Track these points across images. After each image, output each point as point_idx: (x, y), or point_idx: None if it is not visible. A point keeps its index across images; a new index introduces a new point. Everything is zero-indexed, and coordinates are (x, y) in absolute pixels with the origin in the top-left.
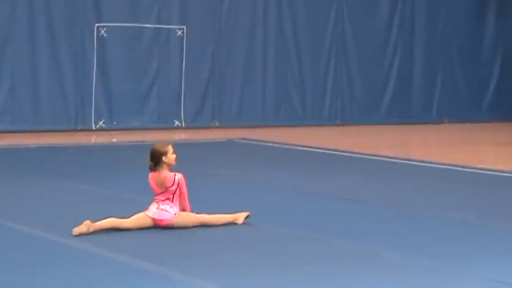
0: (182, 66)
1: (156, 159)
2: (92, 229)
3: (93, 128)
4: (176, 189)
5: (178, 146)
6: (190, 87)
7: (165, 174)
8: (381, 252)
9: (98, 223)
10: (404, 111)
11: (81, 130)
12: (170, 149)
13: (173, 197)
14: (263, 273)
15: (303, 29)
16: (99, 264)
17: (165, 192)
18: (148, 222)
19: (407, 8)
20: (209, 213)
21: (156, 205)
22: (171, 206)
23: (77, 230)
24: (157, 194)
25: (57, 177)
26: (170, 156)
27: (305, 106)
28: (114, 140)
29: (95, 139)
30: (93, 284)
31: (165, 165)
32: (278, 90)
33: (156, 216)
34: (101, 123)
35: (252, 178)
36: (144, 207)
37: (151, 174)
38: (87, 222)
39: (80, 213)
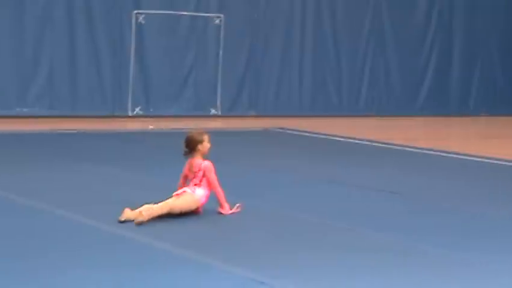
0: (219, 54)
1: (192, 146)
2: (149, 214)
3: (130, 114)
4: (203, 176)
5: (214, 134)
6: (227, 76)
7: (195, 160)
8: (418, 245)
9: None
10: (442, 103)
11: (118, 116)
12: (206, 137)
13: (200, 182)
14: (300, 263)
15: (341, 19)
16: (140, 252)
17: (194, 177)
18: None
19: (445, 1)
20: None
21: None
22: (194, 190)
23: (122, 217)
24: (190, 180)
25: (93, 163)
26: (205, 144)
27: (341, 97)
28: (150, 127)
29: (131, 126)
30: (134, 271)
31: (199, 153)
32: (315, 80)
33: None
34: (137, 110)
35: (288, 168)
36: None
37: (188, 160)
38: (127, 210)
39: (115, 198)
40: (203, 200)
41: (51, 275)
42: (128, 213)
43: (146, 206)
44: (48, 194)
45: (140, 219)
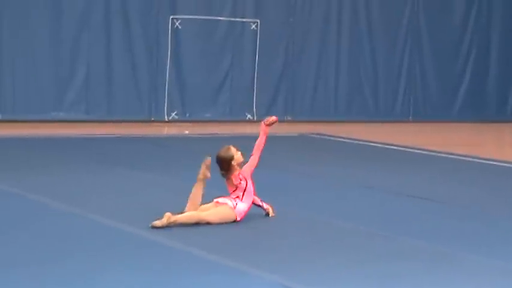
0: (255, 59)
1: (226, 166)
2: (172, 220)
3: (166, 119)
4: (246, 185)
5: (249, 139)
6: (263, 81)
7: (234, 174)
8: (453, 252)
9: (178, 216)
10: (478, 109)
11: (154, 121)
12: (234, 150)
13: (243, 194)
14: (333, 269)
15: (377, 23)
16: (173, 257)
17: (236, 189)
18: (231, 216)
19: (483, 4)
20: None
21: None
22: (236, 202)
23: (157, 223)
24: (231, 193)
25: (128, 168)
26: (237, 157)
27: (377, 102)
28: (186, 131)
29: (167, 130)
30: (166, 276)
31: (235, 167)
32: (351, 85)
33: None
34: (173, 114)
35: (323, 173)
36: (214, 199)
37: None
38: (168, 214)
39: (150, 203)
40: (242, 215)
41: (83, 279)
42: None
43: (187, 214)
44: (82, 198)
45: (159, 224)
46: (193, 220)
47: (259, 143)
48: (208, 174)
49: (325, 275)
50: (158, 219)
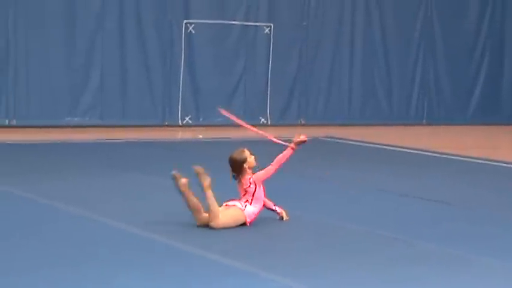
0: (269, 63)
1: (238, 169)
2: (182, 189)
3: (180, 123)
4: (255, 190)
5: (263, 144)
6: (277, 85)
7: (245, 177)
8: (468, 255)
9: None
10: (492, 112)
11: (168, 126)
12: (247, 153)
13: (252, 199)
14: (346, 273)
15: (391, 26)
16: (187, 261)
17: (245, 194)
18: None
19: (497, 9)
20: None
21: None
22: (245, 205)
23: (177, 175)
24: (241, 197)
25: (142, 172)
26: (250, 161)
27: (391, 105)
28: (200, 136)
29: (181, 135)
30: (181, 281)
31: (247, 170)
32: (364, 89)
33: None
34: (187, 119)
35: (338, 176)
36: (223, 202)
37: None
38: (185, 181)
39: (164, 208)
40: (252, 217)
41: (96, 284)
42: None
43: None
44: (96, 203)
45: (182, 181)
46: (196, 207)
47: (283, 157)
48: (185, 181)
49: (338, 278)
50: (181, 176)
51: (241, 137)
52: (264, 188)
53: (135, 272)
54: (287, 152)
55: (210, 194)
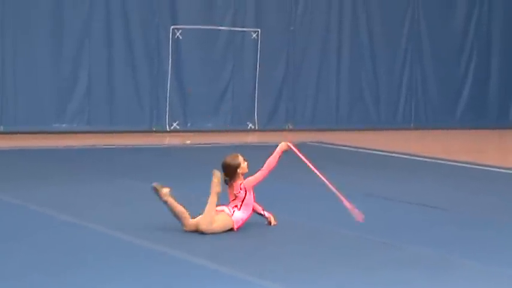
0: (256, 68)
1: (231, 172)
2: (165, 198)
3: (168, 129)
4: (245, 196)
5: (251, 149)
6: (264, 90)
7: (236, 182)
8: (457, 259)
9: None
10: (480, 115)
11: (156, 131)
12: (241, 159)
13: (241, 205)
14: (336, 277)
15: (378, 31)
16: (176, 266)
17: (235, 199)
18: (228, 223)
19: (484, 11)
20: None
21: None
22: (233, 210)
23: (157, 186)
24: (230, 201)
25: (130, 178)
26: (243, 166)
27: (379, 109)
28: (188, 141)
29: (169, 140)
30: (170, 286)
31: (240, 176)
32: (352, 94)
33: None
34: (175, 124)
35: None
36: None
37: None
38: (167, 189)
39: (152, 214)
40: (239, 223)
41: None
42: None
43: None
44: (84, 209)
45: (163, 191)
46: (182, 215)
47: (272, 161)
48: (167, 190)
49: (328, 283)
50: (162, 186)
51: (229, 142)
52: (253, 194)
53: (124, 278)
54: (276, 156)
55: (214, 200)
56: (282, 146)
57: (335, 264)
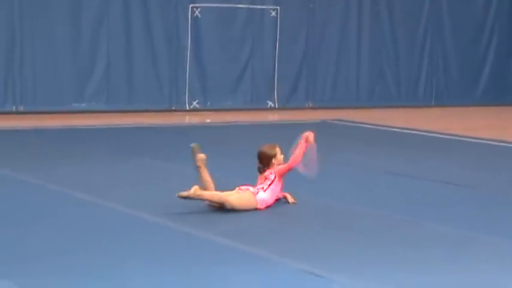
0: (276, 46)
1: (266, 162)
2: (198, 193)
3: (187, 108)
4: (274, 179)
5: (271, 127)
6: (284, 68)
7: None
8: (480, 237)
9: (204, 192)
10: (502, 92)
11: (175, 110)
12: (278, 150)
13: (268, 187)
14: (357, 256)
15: (398, 7)
16: (197, 246)
17: (264, 181)
18: (252, 202)
19: None
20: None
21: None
22: (258, 191)
23: (183, 194)
24: (260, 182)
25: (150, 158)
26: (279, 157)
27: (399, 87)
28: (208, 120)
29: (188, 119)
30: (191, 264)
31: (274, 167)
32: (372, 71)
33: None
34: (194, 103)
35: (345, 160)
36: (236, 186)
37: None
38: (196, 187)
39: (172, 192)
40: (262, 205)
41: (108, 270)
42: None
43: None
44: (104, 188)
45: (185, 194)
46: (216, 199)
47: (298, 155)
48: (203, 156)
49: (349, 262)
50: (185, 190)
51: (249, 121)
52: (282, 184)
53: (144, 257)
54: (301, 149)
55: (203, 171)
56: (306, 137)
57: (354, 243)
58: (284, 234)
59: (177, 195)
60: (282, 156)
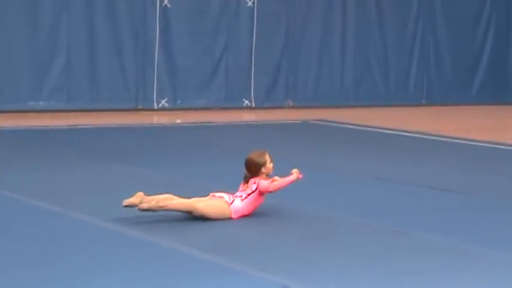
0: (252, 39)
1: (255, 170)
2: (160, 205)
3: (155, 107)
4: (255, 190)
5: (248, 128)
6: (262, 63)
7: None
8: (475, 248)
9: (169, 202)
10: (498, 90)
11: (142, 110)
12: (268, 158)
13: (246, 197)
14: (343, 269)
15: None
16: (165, 257)
17: (244, 189)
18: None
19: None
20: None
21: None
22: (234, 199)
23: (127, 201)
24: (239, 190)
25: (115, 161)
26: (269, 166)
27: (388, 84)
28: (178, 120)
29: (157, 119)
30: (159, 278)
31: (263, 176)
32: (358, 66)
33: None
34: (163, 102)
35: (330, 164)
36: (210, 193)
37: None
38: (140, 193)
39: None
40: (237, 215)
41: (71, 283)
42: (136, 199)
43: (166, 196)
44: (65, 195)
45: (146, 205)
46: (182, 207)
47: (281, 184)
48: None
49: (332, 275)
50: (130, 196)
51: (223, 121)
52: (263, 200)
53: (109, 269)
54: (288, 181)
55: (172, 204)
56: (294, 176)
57: (340, 255)
58: (262, 245)
59: (124, 204)
60: (272, 164)
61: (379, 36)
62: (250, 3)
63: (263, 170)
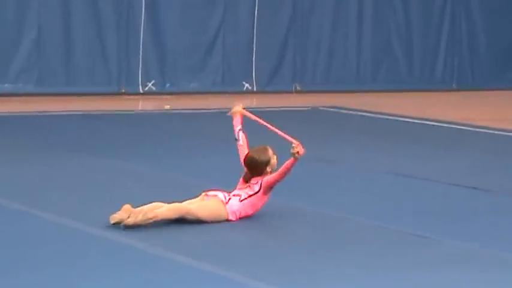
0: (254, 13)
1: (259, 171)
2: (149, 217)
3: (141, 91)
4: (258, 191)
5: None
6: (265, 40)
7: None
8: (506, 255)
9: (158, 211)
10: None
11: (125, 94)
12: (271, 153)
13: (246, 198)
14: (356, 281)
15: None
16: (153, 265)
17: (246, 188)
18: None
19: None
20: None
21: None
22: (229, 197)
23: (114, 217)
24: (239, 188)
25: (92, 154)
26: (273, 162)
27: (412, 66)
28: (167, 106)
29: (142, 105)
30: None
31: (268, 174)
32: (377, 46)
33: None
34: (150, 85)
35: (342, 157)
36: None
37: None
38: (127, 206)
39: (120, 198)
40: (234, 217)
41: None
42: (123, 214)
43: (153, 204)
44: (36, 193)
45: (131, 221)
46: (172, 214)
47: (288, 167)
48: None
49: (343, 287)
50: (120, 214)
51: (219, 107)
52: (267, 199)
53: (90, 278)
54: (290, 163)
55: (161, 213)
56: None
57: (351, 266)
58: (261, 252)
59: (112, 221)
60: (276, 157)
61: (401, 10)
62: None
63: (268, 168)
